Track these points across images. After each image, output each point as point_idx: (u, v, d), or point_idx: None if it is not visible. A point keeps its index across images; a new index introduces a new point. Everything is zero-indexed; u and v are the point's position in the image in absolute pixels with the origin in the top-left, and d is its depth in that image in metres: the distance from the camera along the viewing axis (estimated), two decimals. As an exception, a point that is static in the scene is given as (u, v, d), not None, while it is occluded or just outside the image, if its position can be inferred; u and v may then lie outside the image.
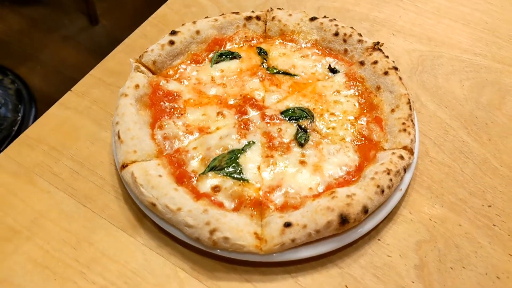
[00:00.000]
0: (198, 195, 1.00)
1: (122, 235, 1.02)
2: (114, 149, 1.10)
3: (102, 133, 1.19)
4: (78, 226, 1.03)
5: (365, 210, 0.96)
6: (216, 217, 0.95)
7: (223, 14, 1.34)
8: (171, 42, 1.24)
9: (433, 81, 1.32)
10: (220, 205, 0.99)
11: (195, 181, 1.03)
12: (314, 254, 0.97)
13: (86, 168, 1.12)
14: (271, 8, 1.36)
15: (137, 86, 1.15)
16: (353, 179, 1.04)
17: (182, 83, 1.22)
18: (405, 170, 1.04)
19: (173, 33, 1.26)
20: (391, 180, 1.01)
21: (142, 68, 1.20)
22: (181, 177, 1.03)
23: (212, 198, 1.00)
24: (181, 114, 1.14)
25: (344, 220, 0.94)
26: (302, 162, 1.07)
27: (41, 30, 3.44)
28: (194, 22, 1.29)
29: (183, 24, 1.29)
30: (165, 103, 1.16)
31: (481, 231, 1.05)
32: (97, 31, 3.45)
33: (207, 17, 1.33)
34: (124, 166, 1.03)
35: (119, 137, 1.06)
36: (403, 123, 1.10)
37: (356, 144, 1.11)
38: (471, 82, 1.32)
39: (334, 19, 1.32)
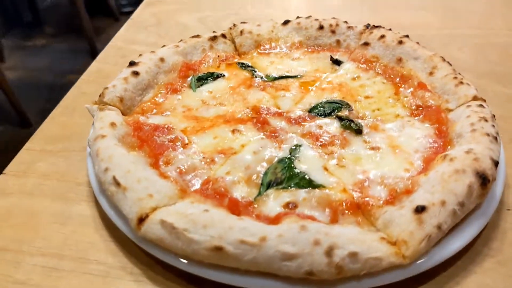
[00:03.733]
0: (272, 220, 0.65)
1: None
2: (110, 211, 0.71)
3: (74, 208, 0.78)
4: None
5: (495, 162, 0.71)
6: (324, 231, 0.60)
7: (182, 39, 1.08)
8: (135, 73, 0.93)
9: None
10: (312, 219, 0.65)
11: (255, 207, 0.68)
12: (466, 242, 0.66)
13: (69, 259, 0.70)
14: (234, 25, 1.14)
15: (112, 124, 0.80)
16: (447, 144, 0.79)
17: (166, 115, 0.89)
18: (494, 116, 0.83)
19: (133, 63, 0.96)
20: (493, 126, 0.78)
21: (109, 107, 0.86)
22: (235, 206, 0.68)
23: (297, 212, 0.66)
24: (186, 144, 0.81)
25: (483, 178, 0.67)
26: (374, 148, 0.79)
27: None
28: (153, 52, 1.01)
29: (140, 55, 1.00)
30: (159, 137, 0.81)
31: None
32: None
33: (164, 45, 1.05)
34: (141, 219, 0.65)
35: (118, 184, 0.68)
36: (455, 77, 0.91)
37: (417, 114, 0.87)
38: (468, 48, 1.21)
39: (310, 16, 1.14)
